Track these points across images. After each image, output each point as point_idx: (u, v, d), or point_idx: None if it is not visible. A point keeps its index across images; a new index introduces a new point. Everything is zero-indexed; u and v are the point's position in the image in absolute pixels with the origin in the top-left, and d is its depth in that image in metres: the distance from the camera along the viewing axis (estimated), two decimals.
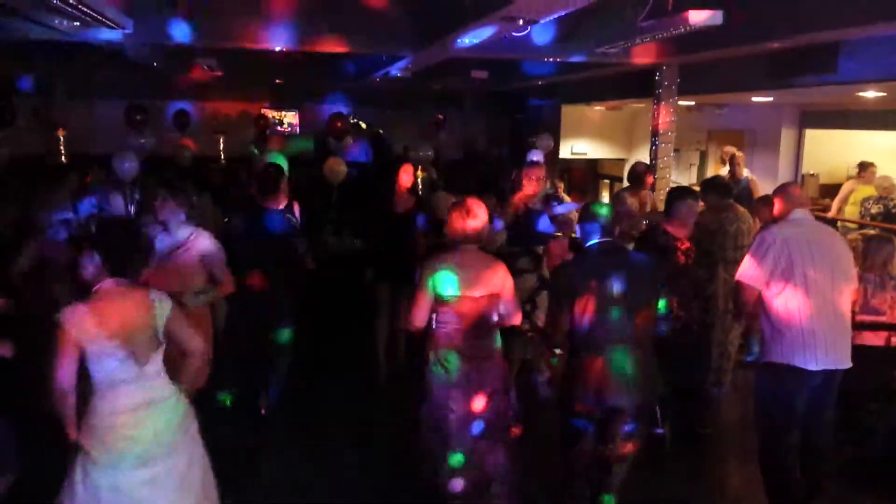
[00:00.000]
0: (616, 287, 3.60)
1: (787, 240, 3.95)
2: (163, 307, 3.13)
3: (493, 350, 3.86)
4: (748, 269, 4.03)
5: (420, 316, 3.75)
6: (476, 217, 3.77)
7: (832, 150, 11.33)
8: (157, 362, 3.12)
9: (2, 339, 3.57)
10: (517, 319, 3.92)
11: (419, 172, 9.93)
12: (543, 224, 5.34)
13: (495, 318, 3.84)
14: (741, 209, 5.92)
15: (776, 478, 4.12)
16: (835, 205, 9.65)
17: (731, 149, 9.39)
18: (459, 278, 3.70)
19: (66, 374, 2.93)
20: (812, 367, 3.86)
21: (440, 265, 3.73)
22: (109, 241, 3.20)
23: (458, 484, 3.76)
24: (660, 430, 5.17)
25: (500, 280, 3.79)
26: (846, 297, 4.01)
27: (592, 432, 3.70)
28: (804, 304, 3.87)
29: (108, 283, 3.08)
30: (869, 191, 9.50)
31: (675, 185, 6.34)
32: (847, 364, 3.98)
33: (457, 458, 3.75)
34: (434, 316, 3.79)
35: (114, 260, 3.11)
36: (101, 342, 2.95)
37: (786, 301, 3.91)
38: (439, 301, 3.73)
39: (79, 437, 3.05)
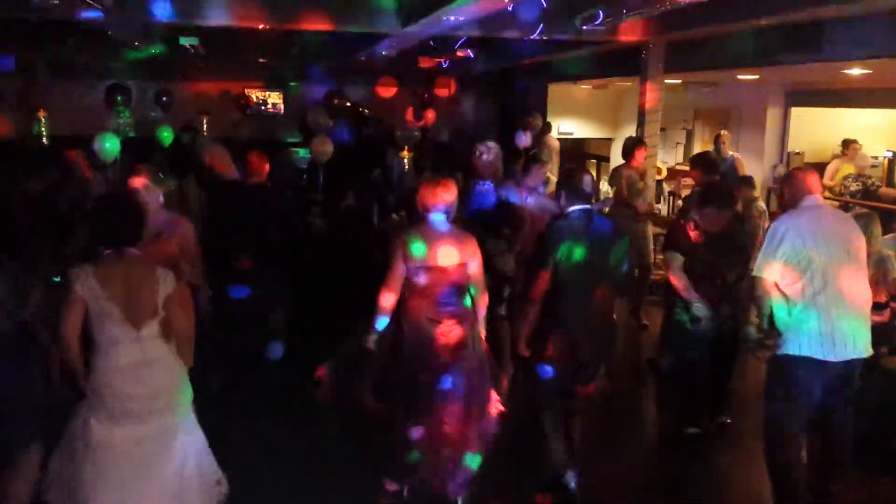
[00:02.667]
0: (588, 252, 3.96)
1: (799, 229, 3.85)
2: (166, 283, 3.33)
3: (464, 314, 3.93)
4: (763, 263, 3.90)
5: (393, 285, 3.87)
6: (447, 189, 3.89)
7: (818, 129, 11.35)
8: (152, 327, 3.29)
9: None
10: (484, 299, 4.03)
11: (405, 153, 9.90)
12: (491, 199, 5.39)
13: (464, 288, 3.93)
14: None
15: (783, 471, 4.01)
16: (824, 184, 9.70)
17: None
18: (428, 248, 3.81)
19: (70, 325, 3.20)
20: (831, 358, 3.77)
21: (411, 236, 3.86)
22: (102, 213, 3.43)
23: (417, 432, 3.87)
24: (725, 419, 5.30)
25: (469, 253, 3.89)
26: (863, 284, 3.92)
27: (557, 383, 4.09)
28: (820, 294, 3.78)
29: (115, 252, 3.29)
30: (853, 168, 9.57)
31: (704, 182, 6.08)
32: (867, 352, 3.88)
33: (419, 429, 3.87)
34: (406, 285, 3.90)
35: (106, 231, 3.33)
36: (102, 302, 3.18)
37: (801, 291, 3.81)
38: (411, 270, 3.84)
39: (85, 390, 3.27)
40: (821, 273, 3.78)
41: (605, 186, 9.76)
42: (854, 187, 9.16)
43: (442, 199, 3.87)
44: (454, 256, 3.86)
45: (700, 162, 6.55)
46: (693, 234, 4.96)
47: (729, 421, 5.33)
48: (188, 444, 3.42)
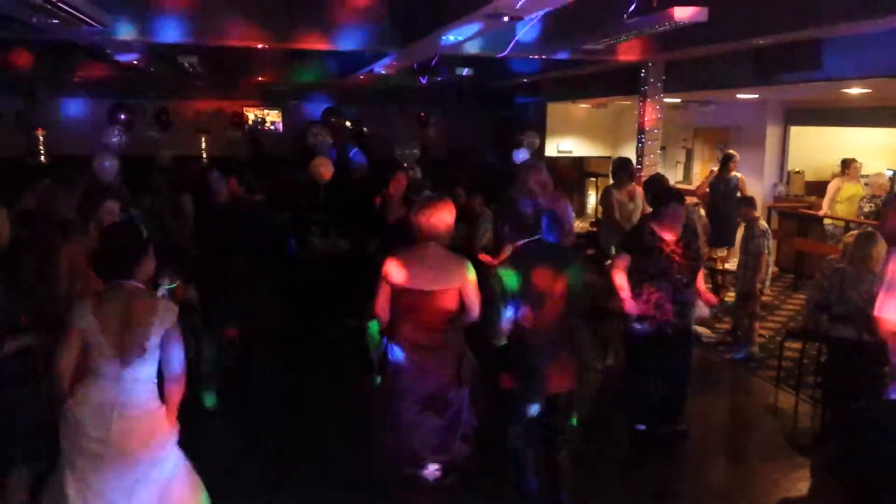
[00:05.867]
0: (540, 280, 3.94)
1: None
2: (165, 317, 3.18)
3: (447, 342, 3.89)
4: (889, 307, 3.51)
5: (381, 306, 3.88)
6: (439, 214, 3.83)
7: (818, 147, 11.36)
8: (138, 370, 3.13)
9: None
10: (474, 315, 3.93)
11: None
12: None
13: (452, 312, 3.86)
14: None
15: None
16: (825, 204, 9.68)
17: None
18: (412, 273, 3.77)
19: (63, 359, 3.13)
20: None
21: (397, 260, 3.83)
22: (109, 244, 3.31)
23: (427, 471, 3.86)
24: (683, 426, 5.29)
25: (458, 277, 3.83)
26: None
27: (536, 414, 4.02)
28: None
29: (118, 283, 3.19)
30: (855, 188, 9.54)
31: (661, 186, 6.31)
32: None
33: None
34: (393, 308, 3.89)
35: (110, 262, 3.23)
36: (96, 335, 3.08)
37: None
38: (395, 293, 3.83)
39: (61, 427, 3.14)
40: None
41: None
42: (868, 208, 9.10)
43: (435, 225, 3.82)
44: (438, 282, 3.79)
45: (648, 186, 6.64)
46: (673, 257, 4.98)
47: (687, 430, 5.30)
48: (170, 483, 3.24)
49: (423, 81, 10.05)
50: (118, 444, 3.08)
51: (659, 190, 6.01)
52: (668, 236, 5.00)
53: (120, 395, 3.11)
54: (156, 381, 3.23)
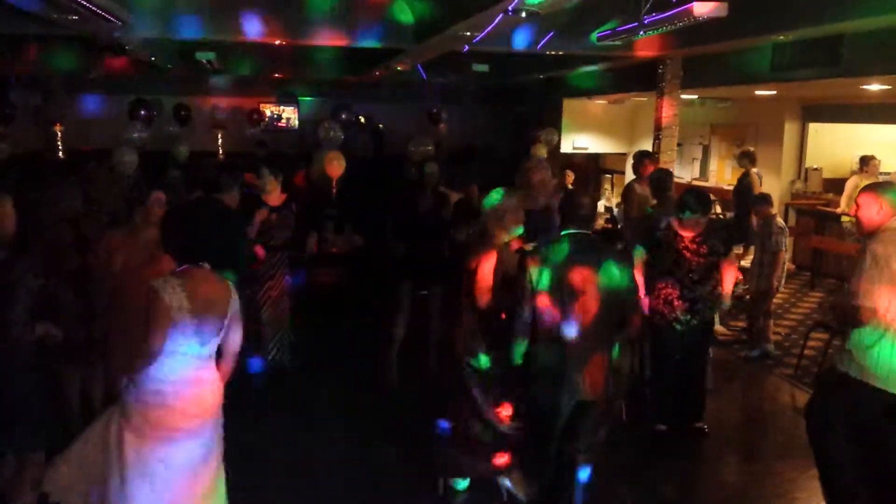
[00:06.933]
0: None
1: None
2: (235, 300, 3.32)
3: None
4: (866, 290, 3.46)
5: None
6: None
7: (836, 144, 11.26)
8: (213, 346, 3.26)
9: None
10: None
11: None
12: None
13: None
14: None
15: None
16: (843, 201, 9.59)
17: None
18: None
19: (159, 338, 3.08)
20: None
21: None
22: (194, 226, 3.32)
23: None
24: (702, 425, 5.27)
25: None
26: None
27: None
28: None
29: (191, 266, 3.22)
30: None
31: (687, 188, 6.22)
32: None
33: None
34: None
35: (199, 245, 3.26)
36: (183, 315, 3.11)
37: None
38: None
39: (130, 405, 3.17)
40: None
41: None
42: None
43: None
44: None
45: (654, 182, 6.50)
46: (686, 254, 4.96)
47: (706, 428, 5.27)
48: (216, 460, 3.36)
49: (423, 77, 10.04)
50: (193, 417, 3.18)
51: (665, 184, 6.05)
52: (686, 233, 4.98)
53: (197, 373, 3.21)
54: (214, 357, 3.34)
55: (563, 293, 3.63)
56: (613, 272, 3.70)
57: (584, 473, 3.82)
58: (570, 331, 3.66)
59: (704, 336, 5.31)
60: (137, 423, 3.14)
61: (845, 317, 3.73)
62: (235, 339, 3.39)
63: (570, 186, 10.17)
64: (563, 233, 3.81)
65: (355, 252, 8.03)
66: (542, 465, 3.90)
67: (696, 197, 4.98)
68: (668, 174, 6.60)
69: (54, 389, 4.18)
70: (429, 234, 5.92)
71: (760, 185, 9.26)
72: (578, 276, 3.65)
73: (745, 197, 8.80)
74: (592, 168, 15.17)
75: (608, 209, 11.39)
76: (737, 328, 7.72)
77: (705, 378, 5.43)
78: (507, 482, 4.21)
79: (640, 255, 5.10)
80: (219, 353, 3.36)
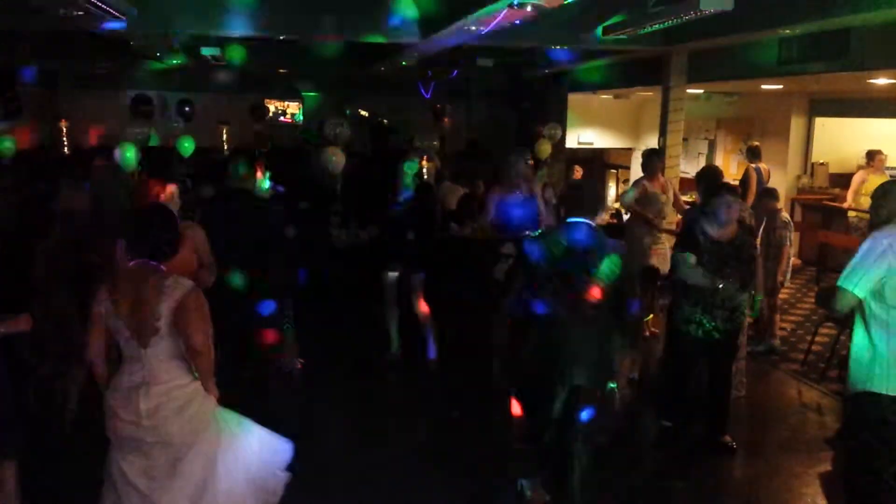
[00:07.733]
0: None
1: None
2: (173, 294, 3.08)
3: None
4: (853, 275, 3.35)
5: None
6: None
7: (842, 139, 11.20)
8: (158, 347, 3.10)
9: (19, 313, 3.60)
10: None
11: (424, 163, 9.85)
12: None
13: None
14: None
15: None
16: (849, 196, 9.56)
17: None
18: None
19: (93, 345, 3.22)
20: None
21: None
22: (137, 226, 3.30)
23: None
24: (729, 441, 5.06)
25: None
26: None
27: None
28: None
29: (132, 263, 3.22)
30: (880, 180, 9.37)
31: (704, 169, 6.06)
32: None
33: None
34: None
35: (138, 244, 3.22)
36: (113, 319, 3.13)
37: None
38: None
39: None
40: None
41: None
42: None
43: None
44: None
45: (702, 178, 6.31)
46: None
47: (734, 445, 5.03)
48: (226, 461, 3.25)
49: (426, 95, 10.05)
50: (149, 424, 3.09)
51: (712, 183, 5.45)
52: (720, 234, 4.74)
53: (146, 376, 3.12)
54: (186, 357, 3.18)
55: (562, 279, 3.81)
56: (610, 261, 3.82)
57: (581, 460, 3.92)
58: (566, 316, 3.81)
59: (731, 343, 5.07)
60: (111, 433, 3.19)
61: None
62: (190, 336, 3.10)
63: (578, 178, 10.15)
64: (567, 221, 4.00)
65: (363, 247, 7.99)
66: (542, 450, 4.04)
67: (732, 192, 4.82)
68: (718, 171, 6.31)
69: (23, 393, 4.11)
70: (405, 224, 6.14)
71: (768, 181, 9.21)
72: (576, 263, 3.81)
73: (744, 193, 8.75)
74: (597, 163, 15.14)
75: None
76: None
77: (728, 386, 5.18)
78: (524, 483, 4.21)
79: (690, 260, 4.73)
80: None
